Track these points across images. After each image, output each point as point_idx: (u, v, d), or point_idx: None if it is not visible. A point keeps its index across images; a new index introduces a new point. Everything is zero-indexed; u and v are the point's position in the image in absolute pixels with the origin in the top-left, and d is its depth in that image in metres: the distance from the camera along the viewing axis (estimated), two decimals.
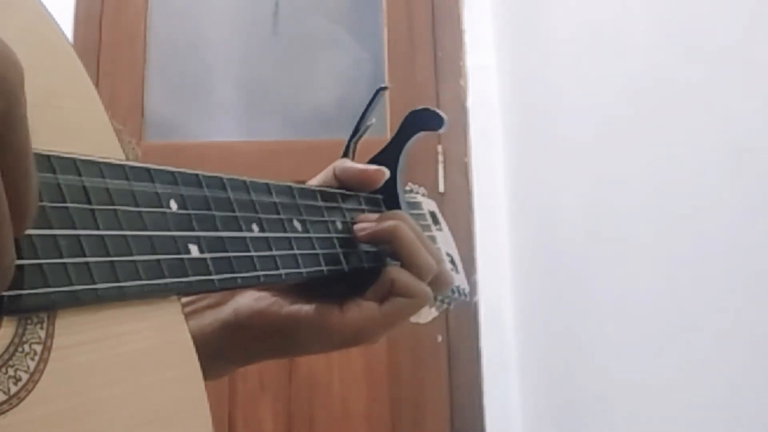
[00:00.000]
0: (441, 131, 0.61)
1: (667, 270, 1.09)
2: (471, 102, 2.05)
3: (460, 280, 0.67)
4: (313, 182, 0.58)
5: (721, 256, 0.94)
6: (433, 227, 0.67)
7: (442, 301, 0.63)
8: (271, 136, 2.12)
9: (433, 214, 0.69)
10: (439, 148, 2.02)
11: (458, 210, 1.96)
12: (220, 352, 0.54)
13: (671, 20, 1.09)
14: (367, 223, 0.55)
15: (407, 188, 0.68)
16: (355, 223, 0.55)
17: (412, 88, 2.04)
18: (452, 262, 0.67)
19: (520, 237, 1.88)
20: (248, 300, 0.55)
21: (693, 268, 1.01)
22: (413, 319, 0.63)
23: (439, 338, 1.94)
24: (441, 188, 1.99)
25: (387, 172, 0.58)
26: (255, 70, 2.17)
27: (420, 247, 0.54)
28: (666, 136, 1.09)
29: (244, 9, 2.21)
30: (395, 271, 0.54)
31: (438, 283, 0.56)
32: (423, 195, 0.69)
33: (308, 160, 2.08)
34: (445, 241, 0.68)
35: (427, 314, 0.62)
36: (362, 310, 0.53)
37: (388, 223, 0.54)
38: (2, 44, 0.24)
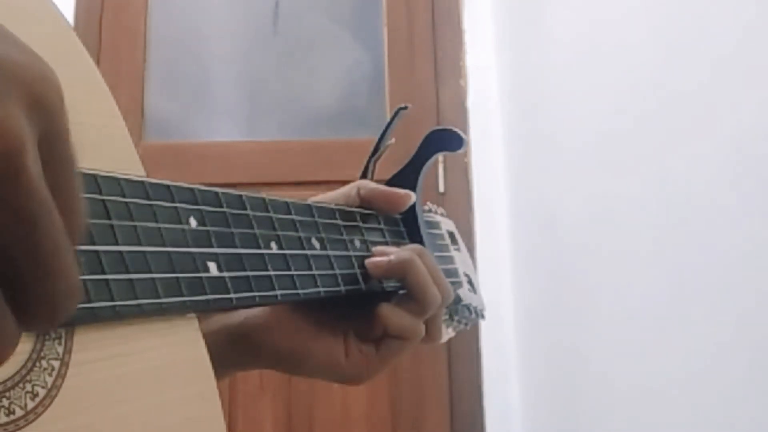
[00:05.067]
0: (460, 152, 0.61)
1: (667, 271, 1.09)
2: (471, 102, 2.05)
3: (477, 300, 0.67)
4: (332, 198, 0.58)
5: (721, 261, 0.94)
6: (451, 247, 0.67)
7: (459, 321, 0.64)
8: (271, 136, 2.12)
9: (451, 234, 0.68)
10: None
11: (458, 210, 1.95)
12: (223, 359, 0.55)
13: (672, 21, 1.09)
14: (381, 258, 0.55)
15: (425, 207, 0.68)
16: (374, 245, 0.56)
17: (412, 88, 2.04)
18: (470, 282, 0.67)
19: (520, 237, 1.89)
20: (257, 311, 0.55)
21: (693, 271, 1.01)
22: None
23: None
24: (441, 188, 1.99)
25: (413, 197, 0.58)
26: (255, 70, 2.17)
27: (430, 284, 0.55)
28: (666, 137, 1.09)
29: (244, 9, 2.21)
30: (388, 313, 0.55)
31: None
32: (442, 215, 0.69)
33: (308, 160, 2.08)
34: (462, 261, 0.68)
35: (443, 334, 0.63)
36: (363, 355, 0.55)
37: (403, 259, 0.54)
38: (40, 61, 0.24)
